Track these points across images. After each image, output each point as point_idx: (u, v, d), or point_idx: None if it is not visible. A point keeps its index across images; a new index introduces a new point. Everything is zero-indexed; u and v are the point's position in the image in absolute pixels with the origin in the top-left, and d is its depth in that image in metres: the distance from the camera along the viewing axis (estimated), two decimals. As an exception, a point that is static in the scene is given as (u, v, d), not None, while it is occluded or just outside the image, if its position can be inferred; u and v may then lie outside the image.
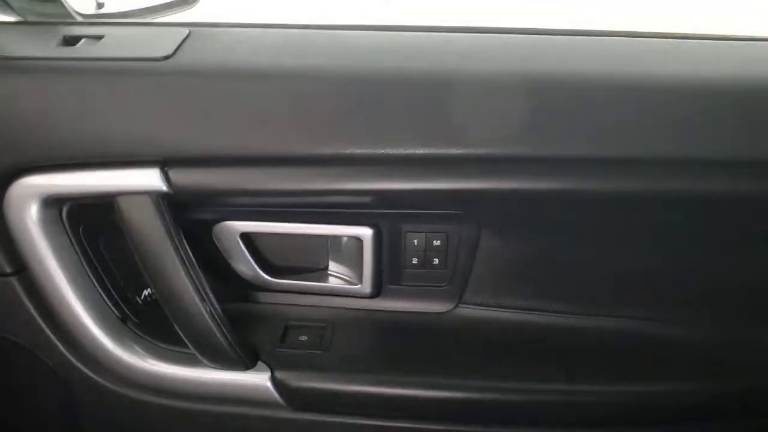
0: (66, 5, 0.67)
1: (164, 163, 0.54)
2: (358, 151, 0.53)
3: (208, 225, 0.64)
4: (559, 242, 0.64)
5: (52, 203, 0.57)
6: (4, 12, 0.70)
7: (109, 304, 0.62)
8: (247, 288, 0.68)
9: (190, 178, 0.55)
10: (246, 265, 0.66)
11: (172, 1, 0.83)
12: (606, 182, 0.55)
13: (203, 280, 0.59)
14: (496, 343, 0.64)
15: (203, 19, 0.64)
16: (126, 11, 0.78)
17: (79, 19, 0.68)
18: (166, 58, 0.55)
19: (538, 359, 0.63)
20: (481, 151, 0.53)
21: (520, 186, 0.55)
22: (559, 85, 0.54)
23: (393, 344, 0.65)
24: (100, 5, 0.75)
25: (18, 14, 0.69)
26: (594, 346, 0.64)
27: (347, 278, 0.66)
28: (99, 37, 0.59)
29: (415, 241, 0.64)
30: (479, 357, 0.64)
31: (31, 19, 0.68)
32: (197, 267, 0.58)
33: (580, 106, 0.54)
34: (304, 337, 0.65)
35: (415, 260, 0.65)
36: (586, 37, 0.62)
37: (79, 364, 0.62)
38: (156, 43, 0.57)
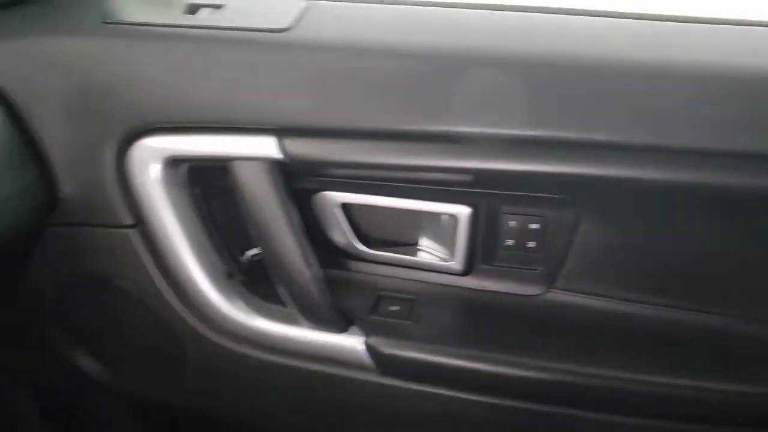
0: None
1: (279, 132, 0.57)
2: (464, 129, 0.54)
3: (309, 193, 0.67)
4: (661, 234, 0.63)
5: (172, 163, 0.61)
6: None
7: (219, 260, 0.66)
8: (341, 256, 0.71)
9: (303, 147, 0.57)
10: (342, 234, 0.68)
11: None
12: (719, 176, 0.53)
13: (308, 245, 0.62)
14: (586, 330, 0.64)
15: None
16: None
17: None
18: (286, 30, 0.57)
19: (626, 348, 0.63)
20: (587, 136, 0.52)
21: (625, 174, 0.54)
22: (681, 74, 0.53)
23: (481, 321, 0.66)
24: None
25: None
26: (688, 340, 0.63)
27: (439, 254, 0.68)
28: (219, 6, 0.62)
29: (512, 222, 0.64)
30: (567, 341, 0.64)
31: None
32: (303, 232, 0.61)
33: (700, 96, 0.52)
34: (394, 307, 0.67)
35: (510, 242, 0.65)
36: (710, 25, 0.59)
37: (186, 315, 0.67)
38: (274, 14, 0.59)
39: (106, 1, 0.64)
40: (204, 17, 0.61)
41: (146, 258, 0.65)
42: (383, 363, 0.63)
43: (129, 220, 0.63)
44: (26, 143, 0.60)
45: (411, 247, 0.69)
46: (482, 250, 0.67)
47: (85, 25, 0.61)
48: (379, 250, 0.69)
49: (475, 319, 0.67)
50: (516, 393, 0.62)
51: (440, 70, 0.54)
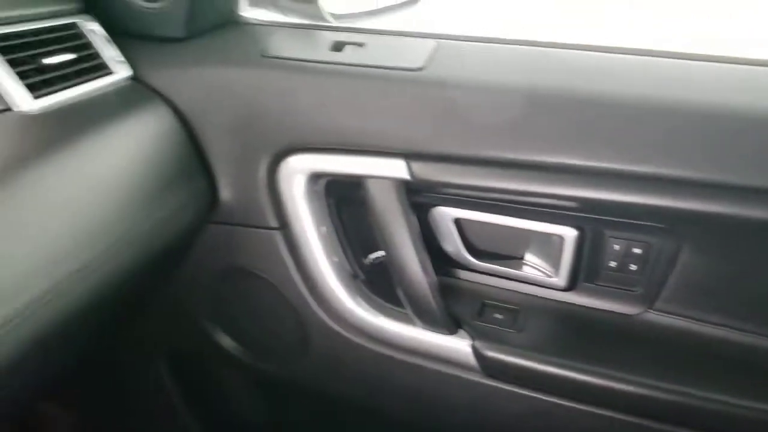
0: (320, 8, 0.81)
1: (408, 156, 0.66)
2: (574, 162, 0.60)
3: (427, 207, 0.75)
4: (760, 264, 0.65)
5: (314, 178, 0.71)
6: (270, 9, 0.86)
7: (346, 262, 0.76)
8: (452, 265, 0.78)
9: (427, 170, 0.66)
10: (454, 245, 0.76)
11: (399, 2, 0.96)
12: None
13: (426, 253, 0.70)
14: (683, 351, 0.68)
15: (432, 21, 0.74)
16: (364, 11, 0.90)
17: (332, 20, 0.81)
18: (420, 69, 0.65)
19: (722, 372, 0.66)
20: (691, 174, 0.57)
21: (727, 212, 0.57)
22: None
23: (580, 335, 0.72)
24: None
25: (283, 13, 0.85)
26: None
27: (543, 270, 0.74)
28: (361, 45, 0.71)
29: (616, 246, 0.69)
30: (661, 360, 0.68)
31: (291, 15, 0.82)
32: (422, 242, 0.70)
33: None
34: (499, 316, 0.74)
35: (612, 263, 0.70)
36: None
37: (313, 306, 0.77)
38: (410, 53, 0.68)
39: (264, 38, 0.76)
40: (348, 54, 0.70)
41: (286, 255, 0.76)
42: (487, 365, 0.71)
43: (275, 223, 0.75)
44: (197, 155, 0.73)
45: (516, 261, 0.76)
46: (585, 269, 0.72)
47: (247, 58, 0.72)
48: (487, 262, 0.76)
49: (575, 333, 0.72)
50: (608, 404, 0.67)
51: (553, 107, 0.61)
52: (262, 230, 0.75)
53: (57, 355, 0.66)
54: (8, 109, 0.57)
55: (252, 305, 0.83)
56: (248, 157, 0.72)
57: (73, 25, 0.68)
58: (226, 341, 0.88)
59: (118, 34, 0.73)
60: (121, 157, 0.64)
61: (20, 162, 0.54)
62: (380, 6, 0.93)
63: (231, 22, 0.80)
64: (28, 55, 0.61)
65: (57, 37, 0.65)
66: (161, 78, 0.73)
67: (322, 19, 0.81)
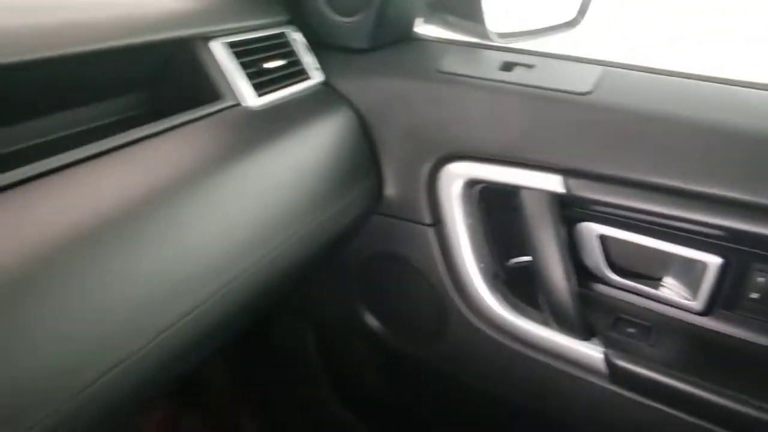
0: (485, 27, 0.88)
1: (566, 173, 0.72)
2: (726, 193, 0.63)
3: (574, 221, 0.80)
4: None
5: (471, 183, 0.79)
6: (440, 26, 0.95)
7: (490, 262, 0.84)
8: (590, 278, 0.83)
9: (582, 187, 0.71)
10: (596, 259, 0.81)
11: (558, 24, 1.01)
12: None
13: (570, 263, 0.76)
14: None
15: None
16: (526, 31, 0.96)
17: (496, 40, 0.88)
18: (587, 93, 0.71)
19: None
20: None
21: None
22: None
23: (713, 358, 0.74)
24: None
25: (451, 30, 0.93)
26: None
27: (681, 292, 0.77)
28: (530, 66, 0.78)
29: (761, 279, 0.71)
30: None
31: (458, 32, 0.90)
32: (568, 253, 0.76)
33: None
34: (632, 330, 0.78)
35: (755, 295, 0.72)
36: None
37: (455, 297, 0.85)
38: (577, 78, 0.74)
39: (438, 54, 0.85)
40: (518, 74, 0.77)
41: (436, 249, 0.84)
42: (616, 373, 0.75)
43: (429, 220, 0.83)
44: (371, 155, 0.83)
45: (654, 281, 0.79)
46: (724, 297, 0.75)
47: (424, 72, 0.81)
48: (625, 279, 0.80)
49: (707, 354, 0.75)
50: (734, 426, 0.70)
51: (709, 140, 0.64)
52: (418, 225, 0.84)
53: (233, 330, 0.77)
54: (238, 104, 0.70)
55: (398, 290, 0.93)
56: (414, 160, 0.82)
57: (282, 35, 0.81)
58: (371, 320, 0.99)
59: (313, 43, 0.85)
60: (313, 153, 0.75)
61: (247, 148, 0.66)
62: (540, 27, 0.99)
63: (408, 37, 0.90)
64: (253, 60, 0.74)
65: (271, 45, 0.78)
66: (347, 84, 0.84)
67: (487, 37, 0.89)
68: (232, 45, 0.72)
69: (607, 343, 0.76)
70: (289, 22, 0.84)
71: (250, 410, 1.29)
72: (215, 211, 0.59)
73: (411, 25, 0.90)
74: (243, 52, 0.73)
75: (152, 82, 0.71)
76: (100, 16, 0.62)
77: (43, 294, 0.44)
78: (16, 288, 0.42)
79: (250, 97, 0.70)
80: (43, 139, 0.60)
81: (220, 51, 0.70)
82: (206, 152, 0.62)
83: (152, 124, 0.59)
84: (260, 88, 0.72)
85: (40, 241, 0.45)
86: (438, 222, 0.83)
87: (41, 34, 0.55)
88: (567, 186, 0.72)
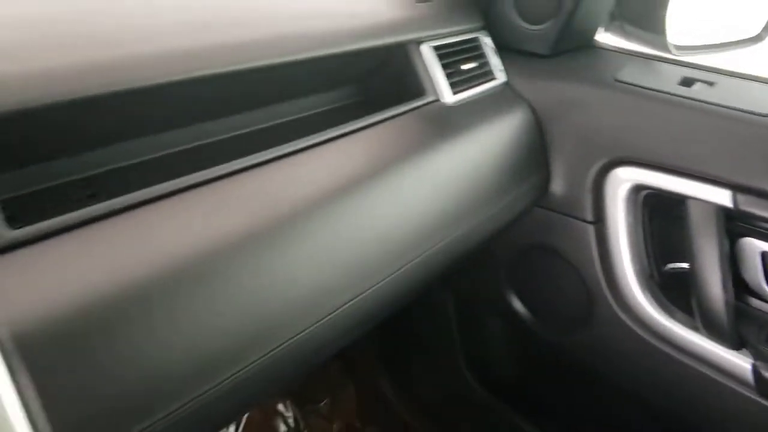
0: (666, 39, 0.91)
1: (735, 188, 0.75)
2: None
3: (736, 235, 0.83)
4: None
5: (638, 188, 0.85)
6: (619, 35, 1.00)
7: (646, 264, 0.89)
8: (746, 290, 0.86)
9: (752, 204, 0.75)
10: (755, 275, 0.83)
11: (740, 40, 1.01)
12: None
13: (730, 275, 0.80)
14: None
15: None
16: (706, 45, 0.98)
17: (675, 52, 0.92)
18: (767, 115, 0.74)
19: None
20: None
21: None
22: None
23: None
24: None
25: (629, 39, 0.98)
26: None
27: None
28: (711, 83, 0.82)
29: None
30: None
31: (636, 42, 0.95)
32: (729, 265, 0.79)
33: None
34: None
35: None
36: None
37: (606, 293, 0.91)
38: (759, 98, 0.77)
39: (616, 63, 0.91)
40: (698, 90, 0.81)
41: (593, 245, 0.91)
42: (764, 385, 0.78)
43: (591, 218, 0.90)
44: (542, 152, 0.91)
45: (817, 303, 0.81)
46: None
47: (602, 80, 0.88)
48: None
49: None
50: None
51: None
52: (578, 221, 0.91)
53: (395, 308, 0.80)
54: (437, 100, 0.81)
55: (549, 280, 1.01)
56: (584, 160, 0.88)
57: (476, 39, 0.91)
58: (516, 303, 1.07)
59: (498, 46, 0.94)
60: (493, 147, 0.84)
61: (441, 140, 0.77)
62: (721, 42, 1.00)
63: (588, 45, 0.97)
64: (452, 62, 0.84)
65: (466, 48, 0.88)
66: (527, 85, 0.92)
67: (665, 49, 0.93)
68: (437, 48, 0.83)
69: (758, 355, 0.79)
70: (482, 28, 0.93)
71: (390, 378, 1.43)
72: (407, 198, 0.68)
73: (593, 34, 0.96)
74: (444, 54, 0.84)
75: (363, 77, 0.84)
76: (333, 23, 0.73)
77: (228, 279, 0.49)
78: (202, 273, 0.47)
79: (448, 94, 0.81)
80: (267, 125, 0.73)
81: (428, 53, 0.81)
82: (410, 142, 0.73)
83: (370, 116, 0.71)
84: (455, 87, 0.83)
85: (243, 227, 0.51)
86: (599, 221, 0.90)
87: (282, 40, 0.65)
88: (735, 201, 0.75)
